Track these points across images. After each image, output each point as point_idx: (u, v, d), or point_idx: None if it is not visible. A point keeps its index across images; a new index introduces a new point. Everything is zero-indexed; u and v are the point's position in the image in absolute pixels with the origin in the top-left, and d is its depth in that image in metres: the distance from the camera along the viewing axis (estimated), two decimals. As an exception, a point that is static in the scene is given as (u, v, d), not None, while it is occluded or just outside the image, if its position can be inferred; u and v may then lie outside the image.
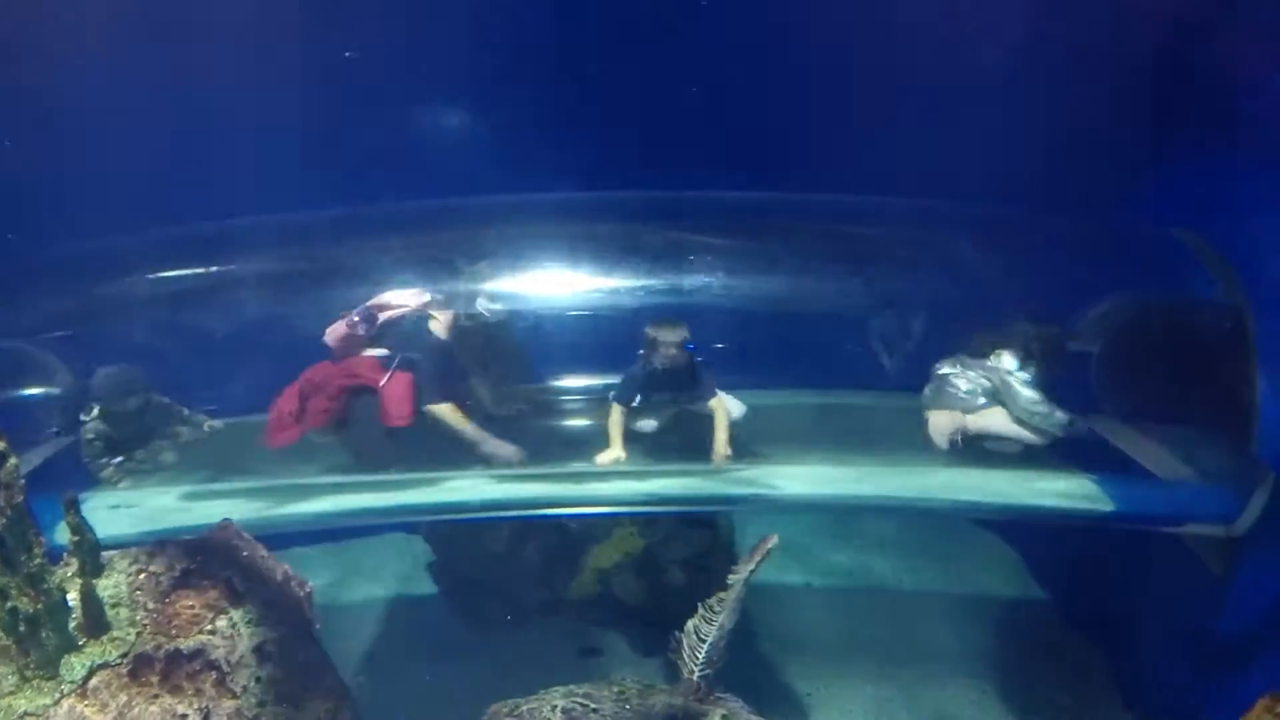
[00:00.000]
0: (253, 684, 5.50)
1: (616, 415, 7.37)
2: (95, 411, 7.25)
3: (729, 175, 8.49)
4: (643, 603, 8.65)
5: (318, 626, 6.12)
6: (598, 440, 7.45)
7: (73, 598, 5.47)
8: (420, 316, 7.32)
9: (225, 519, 6.13)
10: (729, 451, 7.37)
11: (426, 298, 7.37)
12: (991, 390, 7.29)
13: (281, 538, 6.85)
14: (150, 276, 7.96)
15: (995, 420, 7.26)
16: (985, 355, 7.41)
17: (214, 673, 5.43)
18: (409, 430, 7.21)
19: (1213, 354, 6.95)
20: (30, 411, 7.53)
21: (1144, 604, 8.11)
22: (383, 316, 7.27)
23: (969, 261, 8.08)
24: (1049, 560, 9.88)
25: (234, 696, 5.42)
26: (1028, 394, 7.14)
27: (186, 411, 7.59)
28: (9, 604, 5.15)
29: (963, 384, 7.31)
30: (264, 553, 6.09)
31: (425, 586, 9.45)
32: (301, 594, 6.09)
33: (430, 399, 7.21)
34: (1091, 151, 8.15)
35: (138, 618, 5.58)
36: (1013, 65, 8.20)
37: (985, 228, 8.18)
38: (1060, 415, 7.09)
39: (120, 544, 6.03)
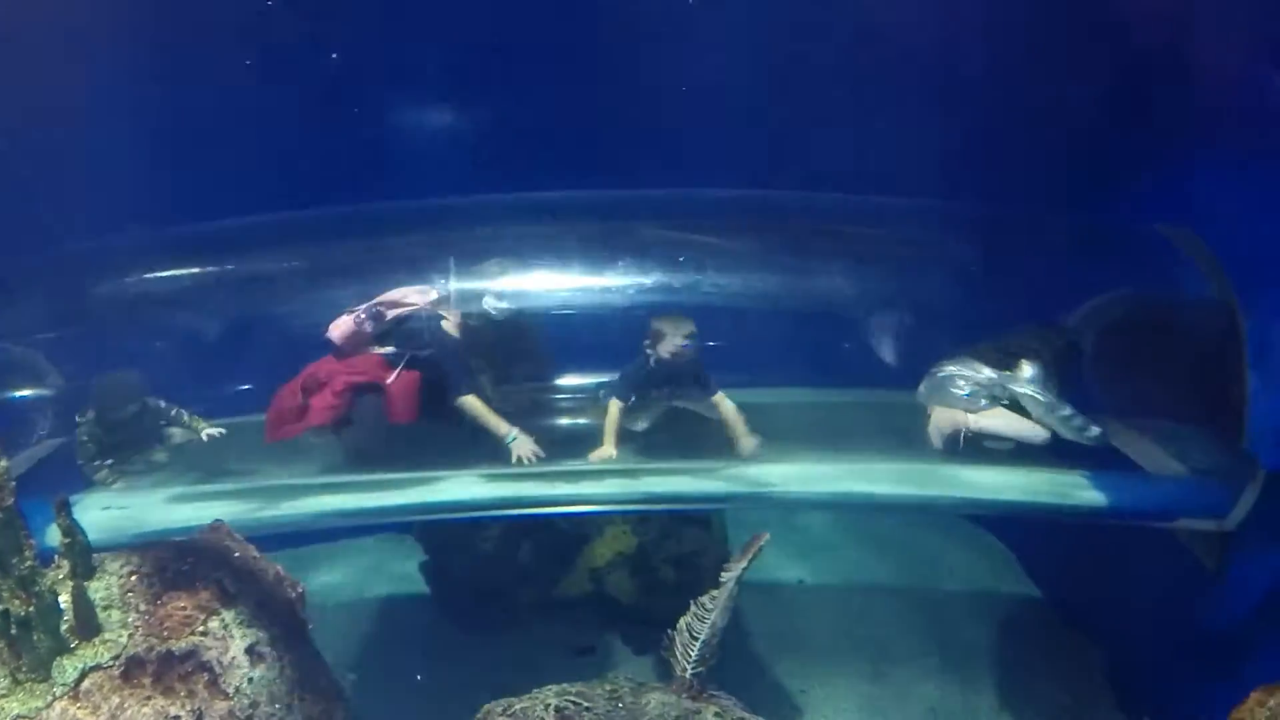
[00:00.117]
0: (245, 685, 5.49)
1: (614, 412, 7.35)
2: (91, 414, 7.23)
3: (721, 173, 8.54)
4: (635, 601, 8.65)
5: (310, 627, 6.12)
6: (591, 439, 7.44)
7: (64, 600, 5.46)
8: (429, 315, 7.29)
9: (217, 520, 6.13)
10: (757, 437, 7.40)
11: (434, 295, 7.35)
12: (995, 394, 7.26)
13: (274, 538, 6.85)
14: (141, 277, 7.94)
15: (997, 421, 7.25)
16: (999, 364, 7.34)
17: (206, 674, 5.42)
18: (413, 429, 7.20)
19: (1203, 350, 6.96)
20: (20, 414, 7.51)
21: (1136, 599, 8.12)
22: (391, 314, 7.26)
23: (960, 260, 8.09)
24: (1042, 556, 9.89)
25: (227, 698, 5.41)
26: (1063, 411, 7.08)
27: (186, 416, 7.55)
28: (0, 607, 5.14)
29: (966, 385, 7.28)
30: (256, 553, 6.09)
31: (417, 586, 9.44)
32: (294, 594, 6.10)
33: (457, 392, 7.19)
34: (1082, 149, 8.17)
35: (130, 619, 5.56)
36: (1004, 64, 8.22)
37: (977, 226, 8.19)
38: (1095, 429, 7.05)
39: (111, 546, 6.03)
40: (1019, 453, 7.27)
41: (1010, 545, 10.44)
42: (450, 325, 7.33)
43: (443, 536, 9.02)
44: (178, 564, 5.84)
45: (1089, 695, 8.26)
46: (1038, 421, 7.12)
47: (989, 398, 7.22)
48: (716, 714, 5.68)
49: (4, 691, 5.17)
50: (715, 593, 6.11)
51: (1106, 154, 8.03)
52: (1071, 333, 7.55)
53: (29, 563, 5.25)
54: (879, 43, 8.63)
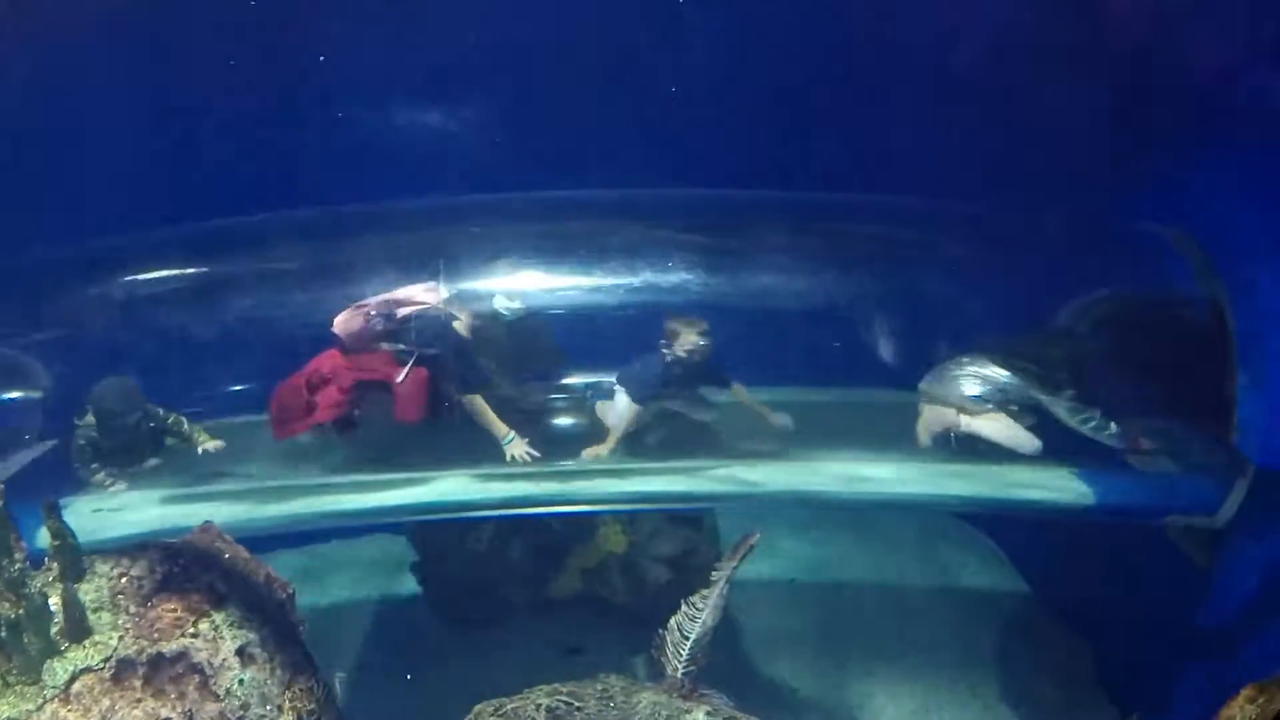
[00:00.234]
0: (236, 687, 5.49)
1: (631, 415, 7.34)
2: (89, 418, 7.20)
3: (714, 173, 8.55)
4: (627, 601, 8.65)
5: (301, 628, 6.12)
6: (584, 438, 7.45)
7: (54, 602, 5.46)
8: (439, 314, 7.27)
9: (207, 521, 6.13)
10: (784, 417, 7.45)
11: (445, 294, 7.33)
12: (1011, 397, 7.23)
13: (264, 540, 6.85)
14: (130, 278, 7.91)
15: (989, 426, 7.23)
16: (1015, 366, 7.30)
17: (197, 676, 5.42)
18: (420, 428, 7.20)
19: (1193, 347, 6.97)
20: (9, 416, 7.49)
21: (1127, 596, 8.14)
22: (401, 313, 7.24)
23: (953, 258, 8.09)
24: (1032, 553, 9.90)
25: (217, 699, 5.41)
26: (1084, 414, 7.06)
27: (185, 425, 7.49)
28: (-10, 609, 5.15)
29: (979, 385, 7.25)
30: (246, 555, 6.09)
31: (409, 587, 9.44)
32: (284, 595, 6.09)
33: (462, 391, 7.18)
34: (1073, 148, 8.18)
35: (120, 622, 5.57)
36: (995, 62, 8.23)
37: (968, 224, 8.20)
38: (1114, 427, 7.04)
39: (101, 548, 6.02)
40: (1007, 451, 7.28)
41: (1001, 543, 10.45)
42: (460, 325, 7.31)
43: (435, 537, 9.01)
44: (168, 566, 5.84)
45: (1080, 692, 8.29)
46: (1060, 418, 7.12)
47: (1001, 400, 7.19)
48: (708, 713, 5.68)
49: (-5, 694, 5.17)
50: (706, 592, 6.12)
51: (1099, 153, 8.04)
52: (1084, 338, 7.52)
53: (19, 565, 5.26)
54: (873, 40, 8.64)
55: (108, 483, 7.20)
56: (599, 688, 5.94)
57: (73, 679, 5.25)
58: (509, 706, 5.76)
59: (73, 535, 5.74)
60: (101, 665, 5.33)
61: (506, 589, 8.93)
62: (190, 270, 7.96)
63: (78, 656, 5.35)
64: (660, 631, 6.17)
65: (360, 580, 9.97)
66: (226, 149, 8.55)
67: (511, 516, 8.10)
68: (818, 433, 7.64)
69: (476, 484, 7.17)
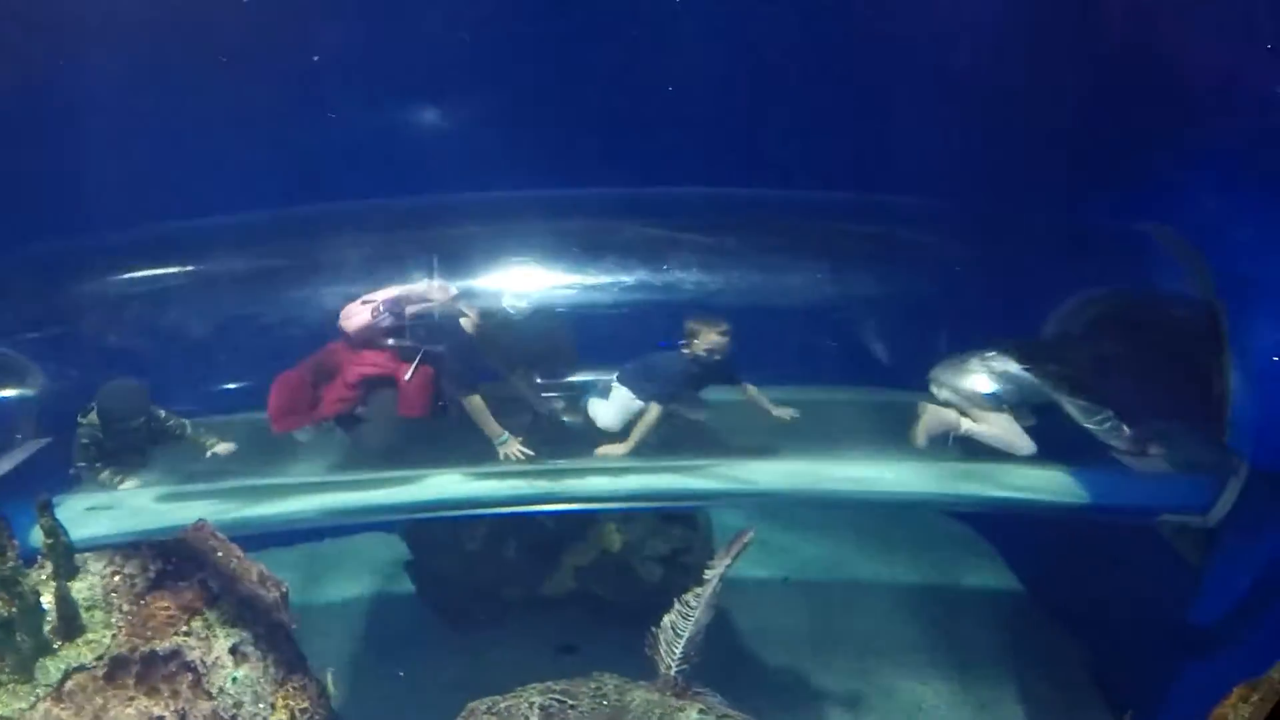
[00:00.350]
0: (229, 685, 5.50)
1: (654, 416, 7.33)
2: (93, 417, 7.17)
3: (708, 172, 8.55)
4: (620, 599, 8.65)
5: (294, 626, 6.11)
6: (578, 437, 7.46)
7: (47, 601, 5.47)
8: (448, 312, 7.27)
9: (200, 520, 6.12)
10: (793, 413, 7.54)
11: (454, 291, 7.33)
12: (1026, 392, 7.20)
13: (257, 538, 6.85)
14: (123, 276, 7.91)
15: (987, 430, 7.23)
16: (1041, 371, 7.28)
17: (190, 674, 5.43)
18: (422, 423, 7.19)
19: (1185, 346, 6.98)
20: (1, 415, 7.48)
21: (1120, 594, 8.15)
22: (411, 309, 7.23)
23: (945, 258, 8.10)
24: (1026, 552, 9.91)
25: (210, 698, 5.41)
26: (1100, 415, 7.05)
27: (188, 428, 7.45)
28: (-17, 608, 5.15)
29: (991, 381, 7.21)
30: (239, 553, 6.08)
31: (402, 585, 9.44)
32: (277, 594, 6.09)
33: (462, 390, 7.18)
34: (1065, 148, 8.19)
35: (113, 620, 5.57)
36: (987, 62, 8.24)
37: (960, 224, 8.20)
38: (1127, 430, 7.03)
39: (94, 546, 6.02)
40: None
41: (994, 541, 10.46)
42: (467, 323, 7.30)
43: (428, 535, 9.00)
44: (161, 564, 5.85)
45: (1073, 690, 8.31)
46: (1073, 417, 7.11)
47: (1016, 396, 7.16)
48: (701, 711, 5.69)
49: (-13, 692, 5.17)
50: (699, 590, 6.12)
51: (1090, 152, 8.05)
52: (1102, 341, 7.51)
53: (12, 564, 5.25)
54: (865, 39, 8.64)
55: (116, 480, 7.19)
56: (592, 686, 5.95)
57: (65, 677, 5.25)
58: (502, 704, 5.77)
59: (66, 533, 5.73)
60: (94, 663, 5.33)
61: (500, 587, 8.93)
62: (183, 268, 7.95)
63: (70, 655, 5.35)
64: (653, 629, 6.17)
65: (354, 578, 9.96)
66: (220, 147, 8.53)
67: (505, 515, 8.09)
68: (812, 431, 7.65)
69: (470, 482, 7.16)
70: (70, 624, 5.43)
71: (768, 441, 7.47)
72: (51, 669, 5.27)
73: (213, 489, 7.15)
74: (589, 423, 7.50)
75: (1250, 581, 6.67)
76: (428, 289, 7.29)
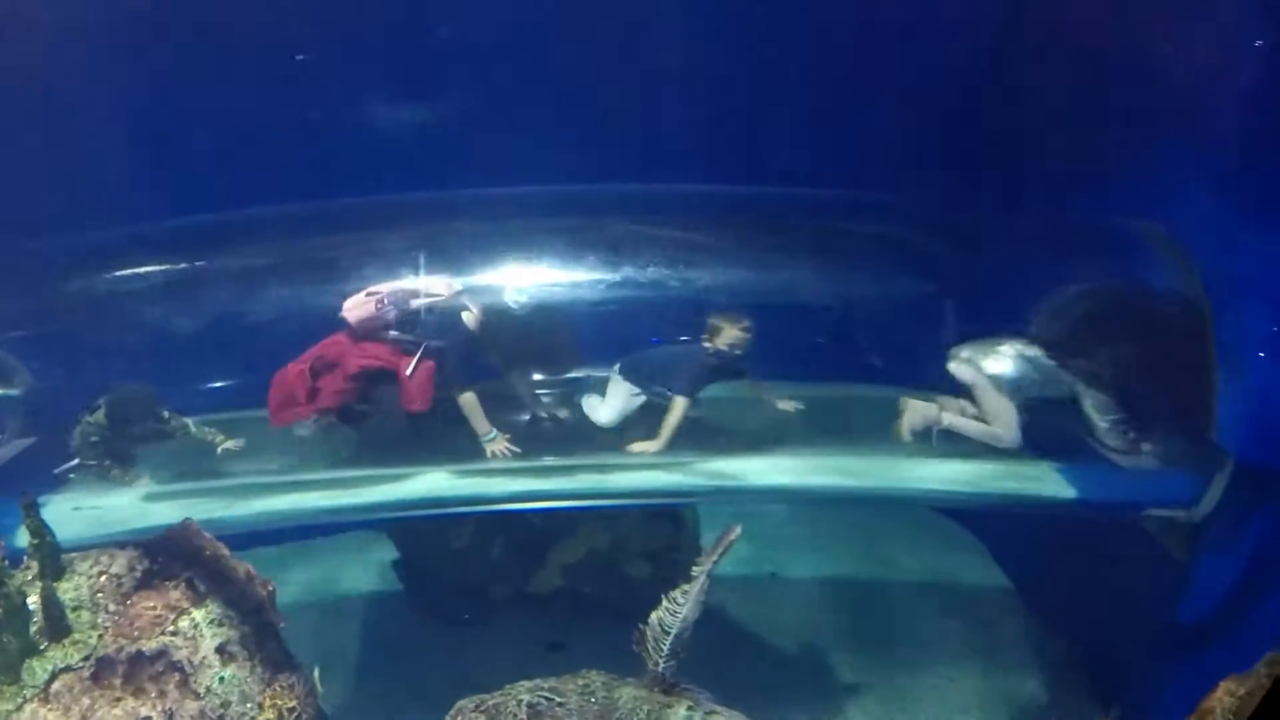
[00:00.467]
0: (216, 685, 5.49)
1: (680, 410, 7.34)
2: (99, 414, 7.15)
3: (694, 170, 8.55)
4: (608, 596, 8.65)
5: (281, 625, 6.10)
6: (571, 436, 7.47)
7: (33, 601, 5.45)
8: (451, 306, 7.26)
9: (186, 519, 6.11)
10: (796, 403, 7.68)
11: (458, 286, 7.32)
12: (1050, 380, 7.18)
13: (244, 537, 6.83)
14: (111, 274, 7.89)
15: (971, 425, 7.22)
16: (1066, 363, 7.26)
17: (177, 674, 5.42)
18: (425, 417, 7.19)
19: (1172, 342, 6.99)
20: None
21: (1107, 589, 8.16)
22: (415, 303, 7.22)
23: (929, 254, 8.11)
24: (1013, 547, 9.93)
25: (198, 698, 5.41)
26: (1114, 415, 7.05)
27: (192, 427, 7.43)
28: (-32, 609, 5.13)
29: (1010, 365, 7.17)
30: (225, 552, 6.07)
31: (390, 584, 9.44)
32: (264, 593, 6.08)
33: (458, 387, 7.18)
34: (1054, 146, 8.20)
35: (99, 620, 5.56)
36: (972, 62, 8.25)
37: (948, 222, 8.22)
38: (1131, 434, 7.04)
39: (81, 546, 6.01)
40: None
41: (981, 537, 10.48)
42: (470, 318, 7.29)
43: (415, 533, 9.00)
44: (147, 564, 5.84)
45: (1061, 685, 8.32)
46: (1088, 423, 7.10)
47: (1035, 384, 7.14)
48: (689, 707, 5.70)
49: (-27, 694, 5.15)
50: (686, 586, 6.11)
51: (1076, 148, 8.06)
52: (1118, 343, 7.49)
53: (-3, 564, 5.24)
54: (848, 35, 8.65)
55: (127, 479, 7.18)
56: (580, 683, 5.95)
57: (52, 678, 5.25)
58: (491, 702, 5.77)
59: (51, 533, 5.72)
60: (81, 664, 5.33)
61: (488, 585, 8.93)
62: (170, 266, 7.93)
63: (57, 655, 5.34)
64: (641, 626, 6.16)
65: (341, 577, 9.94)
66: (209, 145, 8.52)
67: (492, 512, 8.08)
68: (798, 427, 7.67)
69: (456, 480, 7.16)
70: (57, 625, 5.42)
71: (759, 438, 7.49)
72: (38, 670, 5.25)
73: (198, 488, 7.15)
74: (583, 419, 7.52)
75: (1236, 576, 6.68)
76: (432, 283, 7.29)
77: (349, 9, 8.59)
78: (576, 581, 8.82)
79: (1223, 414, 6.61)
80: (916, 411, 7.30)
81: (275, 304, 7.75)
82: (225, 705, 5.45)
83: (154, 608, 5.61)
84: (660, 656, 6.00)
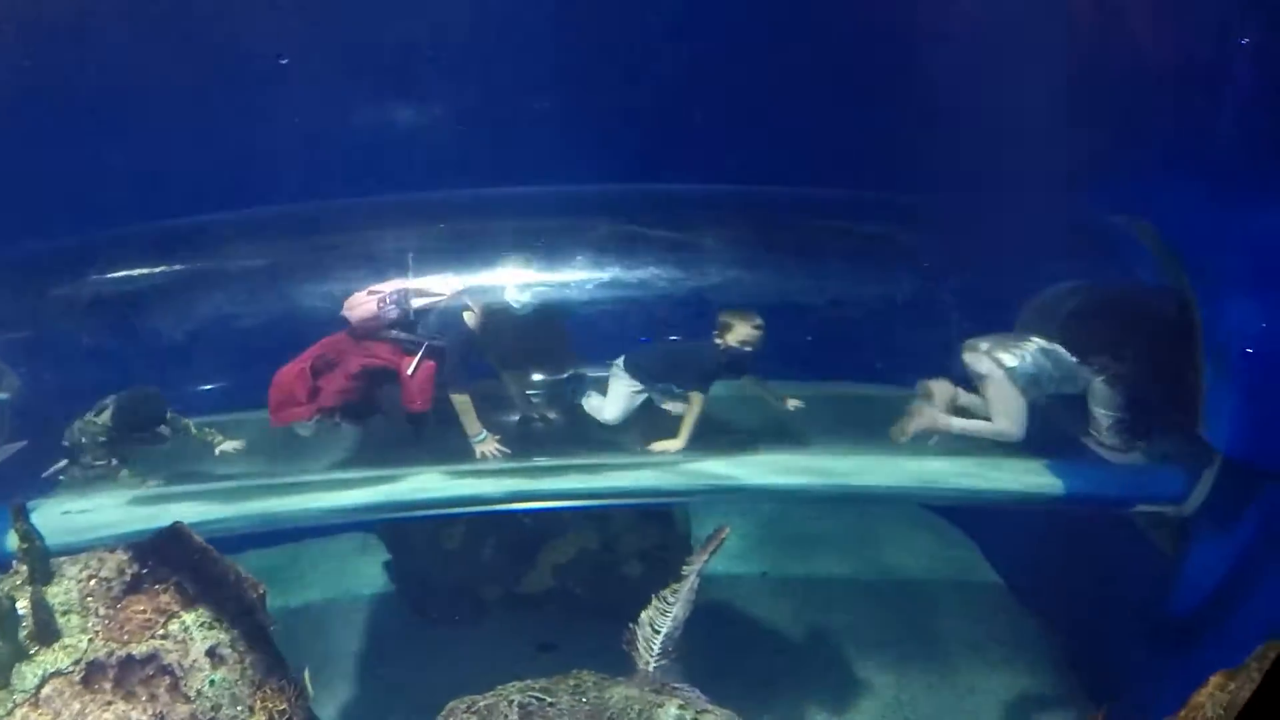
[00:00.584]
0: (207, 688, 5.48)
1: (699, 406, 7.35)
2: (105, 415, 7.14)
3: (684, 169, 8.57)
4: (599, 596, 8.66)
5: (272, 628, 6.10)
6: (563, 436, 7.49)
7: (23, 606, 5.44)
8: (452, 306, 7.25)
9: (176, 521, 6.10)
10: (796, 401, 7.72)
11: (460, 286, 7.32)
12: (1067, 376, 7.16)
13: (235, 539, 6.83)
14: (98, 277, 7.87)
15: (972, 425, 7.21)
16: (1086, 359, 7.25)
17: (168, 677, 5.41)
18: (425, 417, 7.18)
19: (1160, 339, 7.01)
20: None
21: (1097, 585, 8.18)
22: (417, 303, 7.22)
23: (917, 251, 8.12)
24: (1002, 544, 9.95)
25: (188, 701, 5.40)
26: (1119, 415, 7.04)
27: (193, 429, 7.42)
28: (-42, 615, 5.13)
29: (1033, 366, 7.15)
30: (215, 555, 6.06)
31: (381, 585, 9.45)
32: (255, 595, 6.08)
33: (453, 387, 7.18)
34: (1041, 142, 8.21)
35: (89, 624, 5.55)
36: (959, 59, 8.25)
37: (936, 218, 8.23)
38: (1141, 444, 7.05)
39: (70, 550, 6.00)
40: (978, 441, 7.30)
41: (971, 533, 10.50)
42: (471, 317, 7.28)
43: (407, 534, 9.00)
44: (137, 567, 5.82)
45: (1052, 681, 8.33)
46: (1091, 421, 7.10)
47: (1053, 385, 7.12)
48: (680, 706, 5.69)
49: (-37, 700, 5.15)
50: (677, 586, 6.13)
51: (1064, 146, 8.07)
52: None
53: (-14, 570, 5.23)
54: (834, 35, 8.66)
55: (136, 480, 7.16)
56: (571, 683, 5.95)
57: (42, 683, 5.24)
58: (482, 703, 5.77)
59: (40, 538, 5.71)
60: (71, 668, 5.32)
61: (479, 586, 8.93)
62: (159, 269, 7.92)
63: (47, 660, 5.33)
64: (631, 626, 6.17)
65: (332, 579, 9.93)
66: (192, 147, 8.50)
67: (483, 513, 8.08)
68: (788, 426, 7.68)
69: (448, 481, 7.17)
70: (46, 629, 5.41)
71: (748, 437, 7.50)
72: (29, 675, 5.25)
73: (188, 491, 7.14)
74: (583, 418, 7.54)
75: (1225, 570, 6.71)
76: (433, 282, 7.29)
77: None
78: (567, 582, 8.83)
79: (1210, 410, 6.63)
80: (924, 418, 7.24)
81: (267, 305, 7.74)
82: (216, 708, 5.45)
83: (144, 611, 5.60)
84: (651, 655, 6.02)
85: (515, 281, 7.32)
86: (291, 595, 9.52)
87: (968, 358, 7.17)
